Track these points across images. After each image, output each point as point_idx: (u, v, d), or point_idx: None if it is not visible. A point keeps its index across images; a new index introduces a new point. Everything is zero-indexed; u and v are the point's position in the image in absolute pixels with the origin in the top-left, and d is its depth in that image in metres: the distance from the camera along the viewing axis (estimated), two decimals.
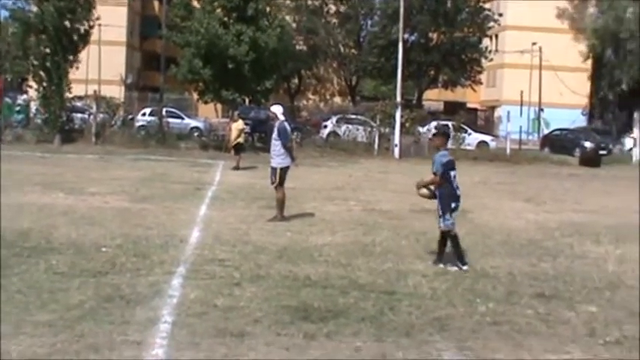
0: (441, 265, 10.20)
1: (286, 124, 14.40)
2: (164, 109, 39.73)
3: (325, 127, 42.98)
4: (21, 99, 42.11)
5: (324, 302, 8.02)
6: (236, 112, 28.97)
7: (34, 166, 23.75)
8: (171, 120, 40.18)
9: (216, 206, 15.99)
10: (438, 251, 10.45)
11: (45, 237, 11.07)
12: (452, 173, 10.27)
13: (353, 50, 58.71)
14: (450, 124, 42.10)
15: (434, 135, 11.99)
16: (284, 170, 14.07)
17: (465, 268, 10.04)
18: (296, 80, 62.22)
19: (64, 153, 30.16)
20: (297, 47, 57.33)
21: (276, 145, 14.05)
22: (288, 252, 10.84)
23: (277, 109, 14.41)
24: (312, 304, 7.91)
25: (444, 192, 10.25)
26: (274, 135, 14.17)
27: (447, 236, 10.26)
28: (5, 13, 37.01)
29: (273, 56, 34.87)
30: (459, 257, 10.19)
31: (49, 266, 9.17)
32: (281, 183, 14.04)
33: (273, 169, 14.10)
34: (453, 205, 10.24)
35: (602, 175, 31.51)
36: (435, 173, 10.29)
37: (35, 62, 34.26)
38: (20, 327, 6.76)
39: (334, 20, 57.95)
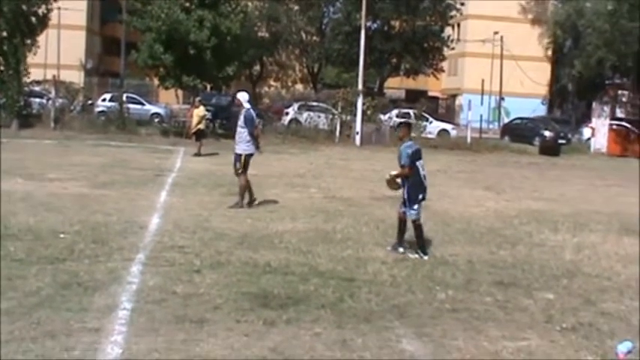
0: (400, 250, 10.32)
1: (252, 111, 14.44)
2: (124, 95, 39.24)
3: (287, 114, 42.90)
4: None
5: (284, 289, 8.04)
6: (197, 99, 28.75)
7: None
8: (131, 106, 39.73)
9: (176, 193, 15.91)
10: (397, 237, 10.53)
11: (3, 223, 10.92)
12: (419, 164, 10.32)
13: (315, 37, 58.60)
14: (411, 112, 42.39)
15: (398, 126, 11.97)
16: (248, 157, 14.08)
17: (425, 257, 10.11)
18: (258, 67, 61.96)
19: (21, 138, 29.74)
20: (259, 34, 57.08)
21: (241, 132, 14.05)
22: (248, 239, 10.84)
23: (243, 97, 14.40)
24: (272, 291, 7.93)
25: (411, 183, 10.27)
26: (240, 122, 14.17)
27: (413, 226, 10.31)
28: None
29: (234, 42, 34.65)
30: (421, 246, 10.27)
31: (6, 253, 9.06)
32: (244, 170, 14.03)
33: (238, 156, 14.10)
34: (420, 195, 10.31)
35: (561, 164, 31.88)
36: (402, 166, 10.30)
37: None
38: None
39: (296, 7, 57.78)
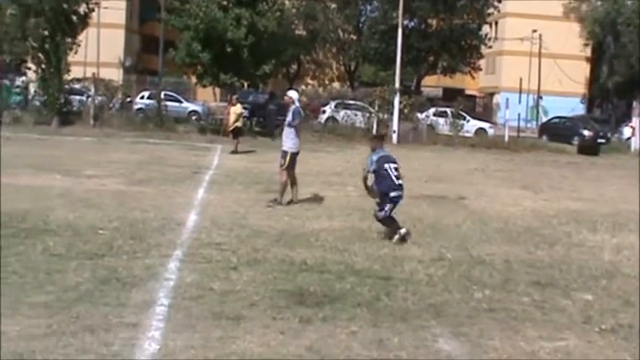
0: (396, 238, 10.73)
1: (300, 109, 14.64)
2: (162, 93, 39.59)
3: (324, 112, 42.92)
4: (19, 81, 41.91)
5: (320, 287, 8.02)
6: (234, 96, 28.87)
7: (31, 148, 23.70)
8: (169, 103, 40.07)
9: (213, 190, 15.98)
10: (389, 227, 11.00)
11: (42, 219, 11.06)
12: (387, 166, 10.97)
13: (352, 36, 58.51)
14: (448, 110, 42.14)
15: (370, 139, 13.02)
16: (294, 155, 14.17)
17: (403, 230, 10.77)
18: (295, 65, 62.06)
19: (62, 135, 30.10)
20: (297, 32, 57.14)
21: (289, 129, 14.18)
22: (285, 236, 10.84)
23: (293, 94, 14.82)
24: (308, 289, 7.92)
25: (381, 185, 10.97)
26: (288, 119, 14.33)
27: (376, 219, 11.11)
28: None
29: (272, 40, 34.74)
30: (397, 227, 10.86)
31: (45, 247, 9.16)
32: (288, 167, 14.12)
33: (284, 153, 14.20)
34: (392, 194, 10.91)
35: (600, 163, 31.52)
36: (369, 171, 11.16)
37: (34, 44, 34.10)
38: (17, 308, 6.76)
39: (334, 5, 57.73)
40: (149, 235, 10.31)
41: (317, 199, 15.06)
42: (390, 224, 10.98)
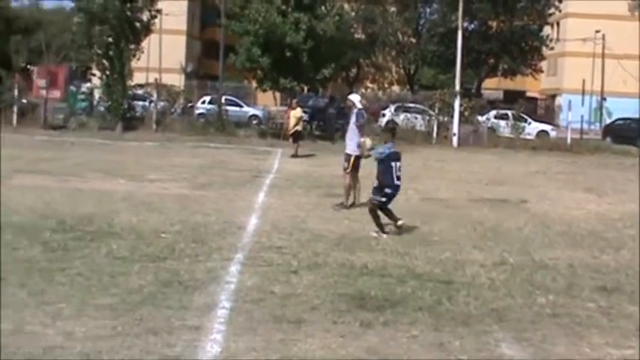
0: (384, 236, 11.10)
1: (364, 112, 14.65)
2: (223, 97, 39.96)
3: (383, 115, 42.79)
4: (85, 87, 42.78)
5: (381, 291, 7.99)
6: (294, 100, 28.98)
7: (96, 153, 24.15)
8: (230, 108, 40.42)
9: (274, 194, 16.05)
10: (375, 222, 11.40)
11: (107, 222, 11.25)
12: (394, 164, 11.37)
13: (411, 39, 58.30)
14: (509, 112, 41.64)
15: (382, 131, 13.79)
16: (358, 158, 14.17)
17: (384, 236, 11.05)
18: (355, 69, 62.05)
19: (125, 140, 30.59)
20: (356, 36, 57.12)
21: (353, 132, 14.19)
22: (345, 240, 10.83)
23: (354, 98, 14.83)
24: (368, 293, 7.89)
25: (382, 177, 11.43)
26: (351, 123, 14.36)
27: (369, 206, 11.61)
28: (71, 4, 37.61)
29: (331, 44, 34.79)
30: (380, 226, 11.26)
31: (110, 250, 9.31)
32: (352, 170, 14.12)
33: (347, 156, 14.22)
34: (387, 190, 11.38)
35: None
36: (376, 158, 11.69)
37: (99, 51, 34.78)
38: (83, 309, 6.88)
39: (393, 8, 57.59)
40: (210, 239, 10.40)
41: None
42: (376, 219, 11.38)
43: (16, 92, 34.99)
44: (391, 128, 13.18)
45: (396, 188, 11.53)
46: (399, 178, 11.48)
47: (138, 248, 9.54)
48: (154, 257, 9.08)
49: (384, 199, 11.41)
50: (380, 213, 11.43)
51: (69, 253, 9.06)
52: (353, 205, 14.10)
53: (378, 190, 11.48)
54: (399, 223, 11.37)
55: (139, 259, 8.94)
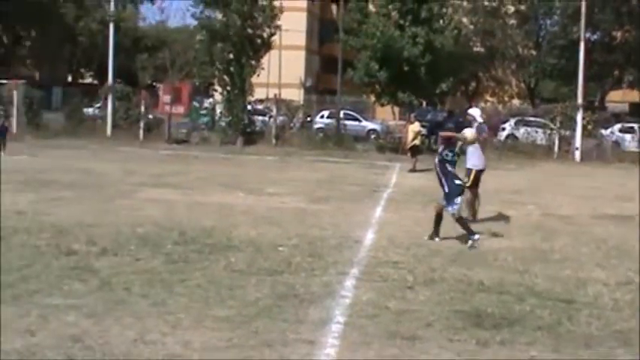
0: (436, 240, 11.61)
1: (484, 126, 14.43)
2: (341, 112, 40.19)
3: (503, 129, 42.04)
4: (207, 102, 43.91)
5: (498, 309, 7.80)
6: (412, 115, 28.83)
7: (217, 167, 24.71)
8: (348, 122, 40.58)
9: (391, 208, 15.98)
10: (434, 229, 11.77)
11: (226, 235, 11.45)
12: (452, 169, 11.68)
13: (532, 51, 57.11)
14: (635, 126, 40.16)
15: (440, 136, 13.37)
16: (479, 172, 13.97)
17: (476, 237, 11.33)
18: (474, 82, 61.30)
19: (245, 154, 31.20)
20: (475, 49, 56.43)
21: (473, 146, 14.00)
22: (462, 256, 10.65)
23: (475, 112, 14.68)
24: (485, 310, 7.71)
25: (452, 179, 11.59)
26: None
27: (455, 220, 11.63)
28: (194, 23, 38.71)
29: (449, 58, 34.50)
30: (470, 233, 11.45)
31: (228, 263, 9.47)
32: (473, 185, 13.92)
33: (468, 170, 14.04)
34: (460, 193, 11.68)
35: None
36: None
37: (220, 67, 35.66)
38: (201, 320, 7.01)
39: (512, 21, 56.60)
40: (327, 253, 10.43)
41: (496, 217, 14.71)
42: (465, 226, 11.59)
43: (142, 108, 36.24)
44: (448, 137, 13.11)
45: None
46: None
47: (255, 261, 9.66)
48: (270, 271, 9.17)
49: (459, 204, 11.64)
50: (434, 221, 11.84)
51: (189, 265, 9.27)
52: (473, 220, 13.87)
53: (451, 195, 11.61)
54: (437, 239, 11.66)
55: (256, 272, 9.05)
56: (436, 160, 11.87)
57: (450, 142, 11.84)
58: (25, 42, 76.09)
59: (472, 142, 12.71)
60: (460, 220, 11.65)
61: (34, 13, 65.06)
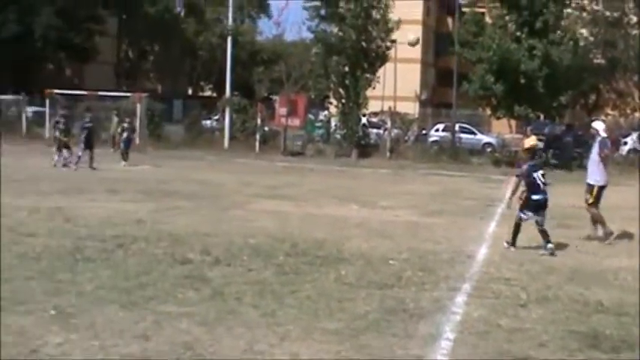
0: (512, 249, 11.97)
1: (608, 140, 13.97)
2: (457, 125, 39.72)
3: (625, 143, 40.59)
4: (322, 115, 44.23)
5: (617, 330, 7.47)
6: (529, 128, 28.17)
7: (331, 179, 24.82)
8: (463, 135, 40.10)
9: (505, 223, 15.57)
10: (511, 237, 12.19)
11: (337, 247, 11.45)
12: (535, 174, 12.17)
13: None
14: None
15: (522, 151, 14.43)
16: (601, 189, 13.54)
17: (549, 246, 11.71)
18: (594, 95, 59.44)
19: (360, 167, 31.21)
20: (595, 61, 54.74)
21: (596, 161, 13.60)
22: (579, 274, 10.29)
23: (599, 126, 14.29)
24: (603, 332, 7.41)
25: (529, 191, 12.15)
26: (594, 152, 13.75)
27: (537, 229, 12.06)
28: (310, 36, 39.13)
29: (567, 71, 33.57)
30: (547, 242, 11.85)
31: (338, 276, 9.45)
32: (595, 202, 13.48)
33: (589, 187, 13.63)
34: (534, 197, 12.12)
35: None
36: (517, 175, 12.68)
37: (335, 80, 35.88)
38: (309, 332, 7.02)
39: (635, 31, 54.59)
40: (438, 267, 10.28)
41: (617, 235, 14.15)
42: (545, 235, 11.96)
43: (258, 120, 36.80)
44: (530, 148, 13.23)
45: (544, 192, 12.22)
46: (545, 184, 12.27)
47: (366, 275, 9.61)
48: (380, 284, 9.11)
49: (532, 213, 12.08)
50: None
51: (300, 277, 9.31)
52: (589, 237, 13.43)
53: (528, 205, 12.11)
54: (549, 246, 11.81)
55: (366, 286, 9.01)
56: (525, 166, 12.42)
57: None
58: (149, 57, 78.91)
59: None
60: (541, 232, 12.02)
61: (157, 29, 67.53)
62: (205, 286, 8.66)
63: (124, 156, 26.45)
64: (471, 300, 8.54)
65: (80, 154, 24.58)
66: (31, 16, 55.31)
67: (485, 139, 45.67)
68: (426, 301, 8.37)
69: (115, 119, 32.70)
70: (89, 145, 24.96)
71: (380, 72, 37.11)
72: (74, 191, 17.82)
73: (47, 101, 37.49)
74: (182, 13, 70.84)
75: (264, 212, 15.46)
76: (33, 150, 30.77)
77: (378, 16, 35.48)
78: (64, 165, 24.44)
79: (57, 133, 25.58)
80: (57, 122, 26.25)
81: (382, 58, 36.14)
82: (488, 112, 38.17)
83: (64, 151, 24.84)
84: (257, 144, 36.16)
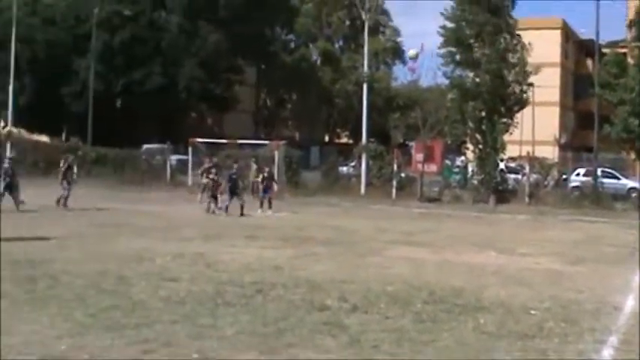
0: None
1: None
2: (599, 169, 38.47)
3: None
4: (459, 161, 43.84)
5: None
6: None
7: (469, 226, 24.46)
8: (606, 180, 38.73)
9: None
10: None
11: (475, 296, 11.24)
12: None
13: None
14: None
15: None
16: None
17: None
18: None
19: (498, 213, 30.64)
20: None
21: None
22: None
23: None
24: None
25: None
26: None
27: None
28: (445, 82, 38.99)
29: None
30: None
31: (477, 325, 9.26)
32: None
33: None
34: None
35: None
36: None
37: (472, 126, 35.54)
38: None
39: None
40: (582, 318, 9.90)
41: None
42: None
43: (395, 166, 36.81)
44: None
45: None
46: None
47: (505, 324, 9.37)
48: (521, 334, 8.85)
49: None
50: None
51: (438, 325, 9.17)
52: None
53: None
54: None
55: (506, 335, 8.78)
56: None
57: None
58: (287, 105, 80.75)
59: None
60: None
61: (294, 78, 69.13)
62: (343, 333, 8.66)
63: (267, 203, 26.82)
64: (618, 354, 8.17)
65: (227, 202, 25.18)
66: (175, 68, 57.77)
67: (630, 183, 43.87)
68: (570, 354, 8.06)
69: (254, 166, 33.48)
70: (235, 193, 25.55)
71: (517, 116, 36.53)
72: (215, 237, 18.32)
73: (190, 149, 38.87)
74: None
75: (400, 259, 15.39)
76: (176, 197, 31.95)
77: (515, 60, 35.03)
78: (212, 212, 25.07)
79: (206, 181, 26.41)
80: (208, 170, 27.02)
81: (520, 102, 35.58)
82: (632, 155, 36.79)
83: (212, 199, 25.49)
84: (393, 190, 36.11)
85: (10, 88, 45.47)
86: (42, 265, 12.65)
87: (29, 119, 51.56)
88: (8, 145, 39.36)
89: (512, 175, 39.20)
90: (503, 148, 35.50)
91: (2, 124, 49.90)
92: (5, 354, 7.15)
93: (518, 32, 35.69)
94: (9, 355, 7.21)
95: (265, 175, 28.24)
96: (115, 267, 12.77)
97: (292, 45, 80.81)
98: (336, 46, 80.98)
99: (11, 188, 23.31)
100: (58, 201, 24.71)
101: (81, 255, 14.15)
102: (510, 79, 34.99)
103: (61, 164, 25.78)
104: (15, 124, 46.73)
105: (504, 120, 35.04)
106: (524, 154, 43.00)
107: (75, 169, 25.99)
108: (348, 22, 77.41)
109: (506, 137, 35.66)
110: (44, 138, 50.99)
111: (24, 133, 49.57)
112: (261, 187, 27.95)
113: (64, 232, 17.66)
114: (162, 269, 12.84)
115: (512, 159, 42.94)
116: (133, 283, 11.36)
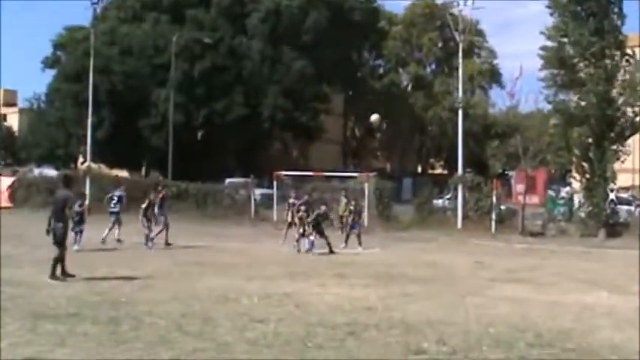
0: None
1: None
2: None
3: None
4: (564, 191, 43.08)
5: None
6: None
7: (576, 262, 24.01)
8: None
9: None
10: None
11: (585, 339, 11.05)
12: None
13: None
14: None
15: None
16: None
17: None
18: None
19: (608, 248, 29.96)
20: None
21: None
22: None
23: None
24: None
25: None
26: None
27: None
28: (547, 107, 38.50)
29: None
30: None
31: None
32: None
33: None
34: None
35: None
36: None
37: (578, 153, 34.91)
38: None
39: None
40: None
41: None
42: None
43: (494, 198, 36.43)
44: None
45: None
46: None
47: None
48: None
49: None
50: None
51: None
52: None
53: None
54: None
55: None
56: None
57: None
58: (376, 134, 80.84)
59: None
60: None
61: (384, 105, 69.36)
62: None
63: (356, 239, 26.86)
64: None
65: (313, 238, 25.25)
66: (258, 97, 58.52)
67: None
68: None
69: (344, 200, 33.62)
70: (320, 232, 25.52)
71: (629, 142, 35.74)
72: (301, 275, 18.49)
73: (275, 183, 39.27)
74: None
75: (502, 298, 15.23)
76: (261, 233, 32.37)
77: (624, 79, 34.29)
78: (299, 250, 25.17)
79: (293, 218, 26.53)
80: (296, 206, 27.02)
81: (632, 127, 34.79)
82: None
83: (300, 236, 25.63)
84: (493, 223, 35.72)
85: (89, 121, 46.47)
86: (126, 306, 13.03)
87: (108, 153, 52.94)
88: (87, 181, 40.62)
89: (625, 207, 38.33)
90: (613, 177, 34.71)
91: (81, 159, 51.45)
92: None
93: (628, 49, 35.03)
94: None
95: (352, 208, 28.30)
96: (199, 308, 13.05)
97: (381, 70, 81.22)
98: (428, 70, 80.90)
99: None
100: (167, 243, 25.67)
101: (164, 295, 14.50)
102: (620, 101, 34.27)
103: (152, 197, 26.37)
104: (93, 159, 47.86)
105: (614, 146, 34.28)
106: (637, 183, 42.02)
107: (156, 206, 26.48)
108: (440, 45, 77.41)
109: (616, 165, 34.87)
110: (124, 173, 52.33)
111: (103, 168, 50.99)
112: (349, 221, 28.02)
113: (147, 272, 18.12)
114: (249, 310, 13.05)
115: (624, 189, 42.03)
116: (219, 324, 11.59)
